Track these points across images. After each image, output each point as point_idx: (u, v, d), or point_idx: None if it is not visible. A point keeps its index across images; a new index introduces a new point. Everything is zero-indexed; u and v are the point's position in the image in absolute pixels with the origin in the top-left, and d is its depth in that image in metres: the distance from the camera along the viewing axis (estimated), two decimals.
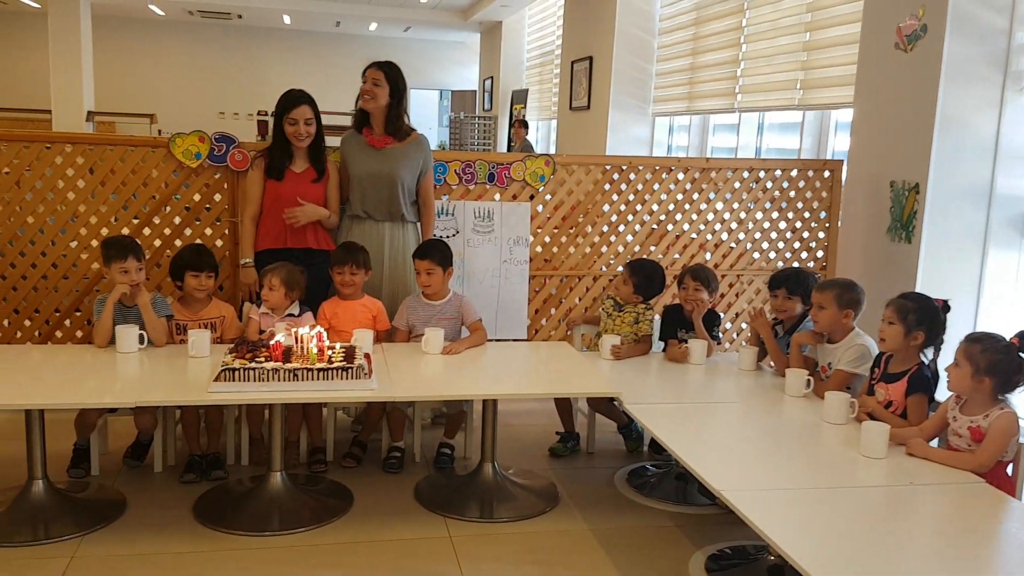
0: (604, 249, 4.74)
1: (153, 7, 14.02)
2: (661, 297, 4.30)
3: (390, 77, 3.98)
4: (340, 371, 3.01)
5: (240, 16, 14.85)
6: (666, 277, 4.03)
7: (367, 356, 3.24)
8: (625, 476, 3.78)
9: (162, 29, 15.56)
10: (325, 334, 3.15)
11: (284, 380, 2.97)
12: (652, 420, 2.96)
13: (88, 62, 13.01)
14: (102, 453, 3.71)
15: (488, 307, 4.48)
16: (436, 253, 3.76)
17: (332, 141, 4.14)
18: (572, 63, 9.37)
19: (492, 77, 13.69)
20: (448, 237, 4.38)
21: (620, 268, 4.73)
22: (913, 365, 2.97)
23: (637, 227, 4.76)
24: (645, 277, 3.90)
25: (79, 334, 4.17)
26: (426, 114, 17.67)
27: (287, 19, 14.99)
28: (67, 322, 4.18)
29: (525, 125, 11.06)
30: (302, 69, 14.79)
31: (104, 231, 4.12)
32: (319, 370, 3.00)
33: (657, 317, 4.01)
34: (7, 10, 14.33)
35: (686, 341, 3.74)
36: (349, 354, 3.15)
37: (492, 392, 3.33)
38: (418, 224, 4.17)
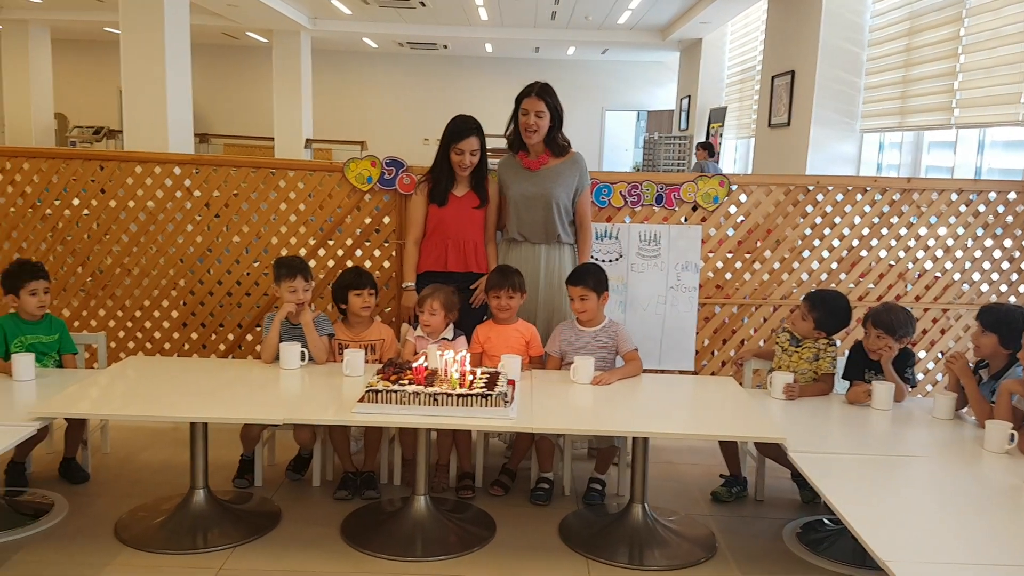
0: (785, 276, 4.35)
1: (367, 40, 14.97)
2: (851, 330, 3.87)
3: (551, 104, 3.86)
4: (479, 398, 2.92)
5: (446, 46, 15.51)
6: (851, 310, 3.60)
7: (511, 383, 3.13)
8: (796, 530, 3.40)
9: (374, 60, 16.57)
10: (468, 359, 3.08)
11: (424, 404, 2.92)
12: (818, 470, 2.62)
13: (307, 92, 14.08)
14: (268, 464, 3.86)
15: (652, 336, 4.24)
16: (590, 278, 3.59)
17: (495, 163, 4.10)
18: (773, 78, 8.89)
19: (690, 96, 13.34)
20: (611, 261, 4.20)
21: (802, 299, 4.32)
22: None
23: (824, 253, 4.34)
24: (827, 312, 3.51)
25: (258, 347, 4.38)
26: (622, 135, 17.54)
27: (489, 47, 15.48)
28: (248, 336, 4.41)
29: (707, 148, 10.63)
30: (501, 94, 15.05)
31: (283, 251, 4.32)
32: (458, 396, 2.92)
33: (843, 355, 3.60)
34: (237, 45, 15.84)
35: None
36: (491, 380, 3.05)
37: (640, 429, 3.08)
38: (575, 246, 4.02)
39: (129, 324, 4.39)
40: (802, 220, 4.31)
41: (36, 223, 4.29)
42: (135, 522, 3.24)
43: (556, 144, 3.92)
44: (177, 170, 4.31)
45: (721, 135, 12.02)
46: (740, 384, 3.65)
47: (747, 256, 4.33)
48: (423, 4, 11.84)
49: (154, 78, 8.40)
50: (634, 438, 3.22)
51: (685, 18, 11.94)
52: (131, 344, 4.41)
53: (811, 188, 4.28)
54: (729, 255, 4.33)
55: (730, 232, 4.31)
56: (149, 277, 4.35)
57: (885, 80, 7.13)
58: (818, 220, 4.31)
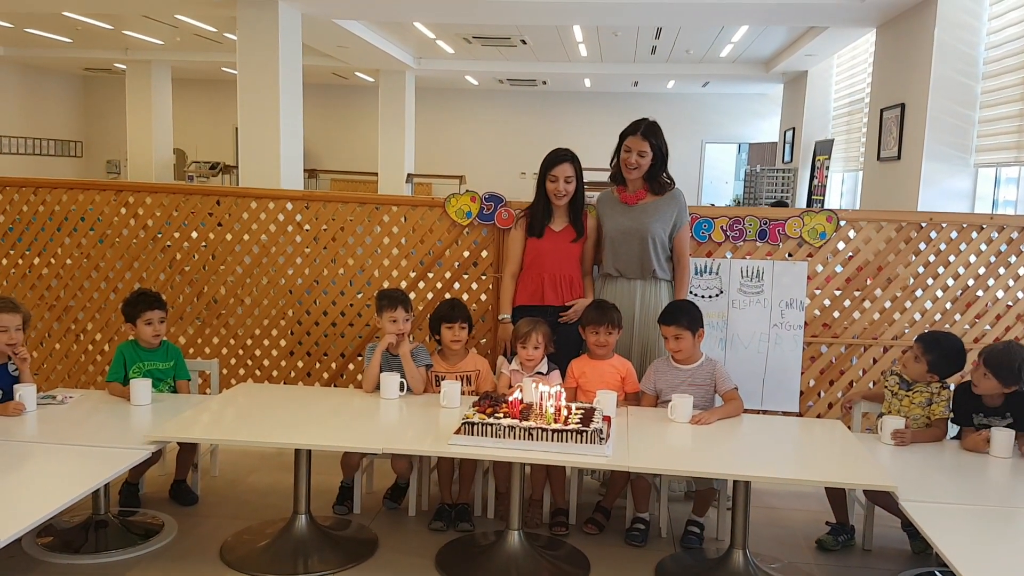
0: (896, 316, 4.18)
1: (469, 77, 15.31)
2: (965, 374, 3.67)
3: (655, 145, 3.84)
4: (574, 434, 2.90)
5: (545, 82, 15.70)
6: (966, 353, 3.42)
7: (607, 419, 3.10)
8: None
9: (475, 97, 16.92)
10: (564, 394, 3.07)
11: (518, 438, 2.93)
12: (932, 521, 2.49)
13: (410, 128, 14.48)
14: (367, 492, 3.93)
15: (754, 375, 4.13)
16: (683, 317, 3.54)
17: (594, 198, 4.11)
18: (882, 111, 8.62)
19: (794, 128, 13.06)
20: (711, 297, 4.13)
21: (915, 340, 4.14)
22: None
23: (938, 292, 4.15)
24: (942, 355, 3.34)
25: (359, 376, 4.50)
26: (723, 167, 17.31)
27: (588, 82, 15.58)
28: (350, 366, 4.53)
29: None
30: (599, 128, 15.20)
31: (385, 284, 4.44)
32: (553, 431, 2.91)
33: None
34: (346, 84, 16.46)
35: (986, 426, 3.13)
36: (587, 416, 3.04)
37: (742, 472, 2.99)
38: (672, 282, 3.97)
39: (240, 352, 4.57)
40: (914, 258, 4.14)
41: (156, 255, 4.54)
42: (240, 544, 3.35)
43: (657, 183, 3.90)
44: (289, 205, 4.49)
45: (827, 168, 11.70)
46: (848, 428, 3.51)
47: (856, 294, 4.18)
48: (524, 42, 12.04)
49: (268, 117, 8.80)
50: (735, 481, 3.13)
51: (790, 51, 11.73)
52: (242, 371, 4.60)
53: (924, 225, 4.11)
54: (837, 292, 4.19)
55: (838, 269, 4.18)
56: (260, 307, 4.53)
57: (1002, 113, 6.81)
58: (932, 258, 4.13)
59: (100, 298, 4.59)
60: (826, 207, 4.19)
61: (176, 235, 4.53)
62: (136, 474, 3.72)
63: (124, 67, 14.76)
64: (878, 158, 8.68)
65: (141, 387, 3.53)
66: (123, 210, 4.55)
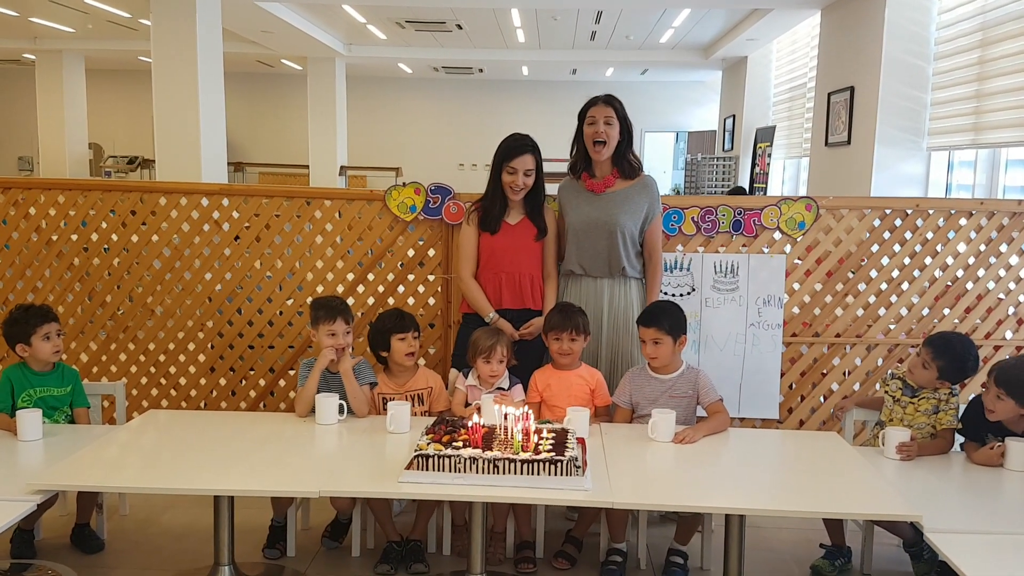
0: (882, 311, 3.86)
1: (402, 65, 14.75)
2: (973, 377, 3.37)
3: (620, 113, 3.47)
4: (548, 464, 2.48)
5: (482, 70, 15.24)
6: (979, 357, 3.09)
7: (581, 441, 2.69)
8: None
9: (409, 86, 16.35)
10: (532, 416, 2.64)
11: (482, 472, 2.49)
12: (962, 554, 2.15)
13: (342, 119, 13.86)
14: (302, 529, 3.45)
15: (730, 379, 3.77)
16: (665, 319, 3.14)
17: (553, 189, 3.68)
18: (829, 95, 8.42)
19: (734, 115, 12.89)
20: (682, 296, 3.75)
21: (902, 335, 3.84)
22: None
23: (925, 284, 3.85)
24: (955, 360, 2.98)
25: (291, 395, 3.99)
26: (660, 157, 17.12)
27: (525, 70, 15.17)
28: (280, 382, 4.02)
29: None
30: (538, 117, 14.81)
31: (319, 288, 3.94)
32: (522, 462, 2.48)
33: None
34: (272, 72, 15.71)
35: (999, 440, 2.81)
36: (560, 441, 2.61)
37: (739, 505, 2.57)
38: (643, 281, 3.57)
39: (152, 370, 4.02)
40: (899, 248, 3.83)
41: (51, 261, 3.94)
42: None
43: (626, 162, 3.50)
44: (205, 201, 3.95)
45: (769, 155, 11.54)
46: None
47: (838, 289, 3.84)
48: (460, 27, 11.55)
49: (187, 107, 8.15)
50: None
51: (730, 36, 11.52)
52: (154, 391, 4.04)
53: (910, 212, 3.80)
54: (818, 287, 3.85)
55: (818, 262, 3.84)
56: (173, 318, 3.98)
57: (955, 95, 6.63)
58: (918, 248, 3.82)
59: None
60: (803, 196, 3.82)
61: (74, 238, 3.94)
62: (30, 520, 3.16)
63: (34, 57, 13.75)
64: (826, 143, 8.48)
65: (29, 419, 2.97)
66: (12, 210, 3.94)
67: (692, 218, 3.78)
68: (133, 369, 4.01)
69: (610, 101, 3.47)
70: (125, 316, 3.98)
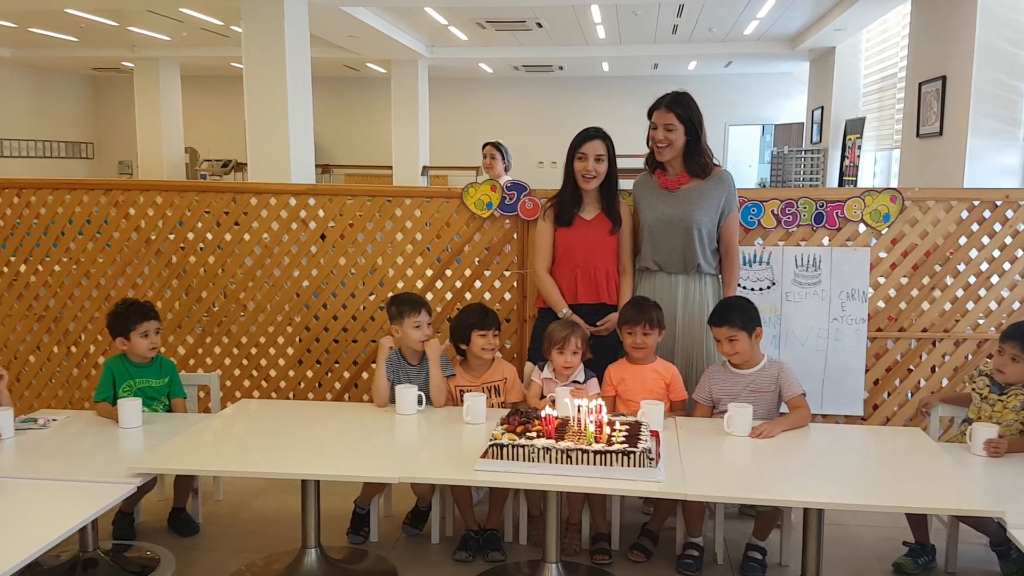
0: (970, 306, 3.74)
1: (483, 65, 14.90)
2: None
3: (683, 117, 3.42)
4: (620, 456, 2.50)
5: (561, 68, 15.26)
6: None
7: (655, 434, 2.70)
8: None
9: (490, 85, 16.50)
10: (604, 408, 2.67)
11: (555, 462, 2.53)
12: None
13: (424, 120, 14.10)
14: (384, 516, 3.56)
15: (812, 375, 3.70)
16: (735, 316, 3.11)
17: (629, 184, 3.69)
18: (920, 85, 8.12)
19: (822, 107, 12.55)
20: (761, 291, 3.71)
21: (991, 330, 3.71)
22: None
23: (1016, 278, 3.70)
24: None
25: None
26: (746, 150, 16.79)
27: (606, 66, 15.11)
28: (364, 374, 4.14)
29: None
30: (619, 113, 14.72)
31: (400, 284, 4.05)
32: (595, 453, 2.51)
33: None
34: (358, 76, 16.08)
35: None
36: (633, 433, 2.63)
37: (816, 499, 2.55)
38: (719, 276, 3.55)
39: (244, 362, 4.20)
40: (988, 240, 3.69)
41: (151, 258, 4.17)
42: None
43: (694, 162, 3.47)
44: (293, 201, 4.11)
45: (859, 147, 11.20)
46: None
47: (925, 282, 3.73)
48: (540, 25, 11.60)
49: (277, 111, 8.43)
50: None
51: (818, 26, 11.22)
52: (246, 383, 4.23)
53: (999, 203, 3.66)
54: (904, 281, 3.75)
55: (904, 255, 3.74)
56: (264, 313, 4.15)
57: None
58: (1008, 240, 3.68)
59: (92, 307, 4.23)
60: (887, 187, 3.72)
61: (171, 236, 4.16)
62: (130, 503, 3.36)
63: (132, 65, 14.46)
64: (917, 135, 8.19)
65: (130, 407, 3.15)
66: (113, 211, 4.18)
67: (772, 211, 3.73)
68: (227, 361, 4.20)
69: (672, 107, 3.41)
70: (219, 311, 4.18)
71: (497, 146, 6.12)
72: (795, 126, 14.56)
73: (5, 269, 4.26)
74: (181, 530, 3.41)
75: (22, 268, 4.25)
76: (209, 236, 4.15)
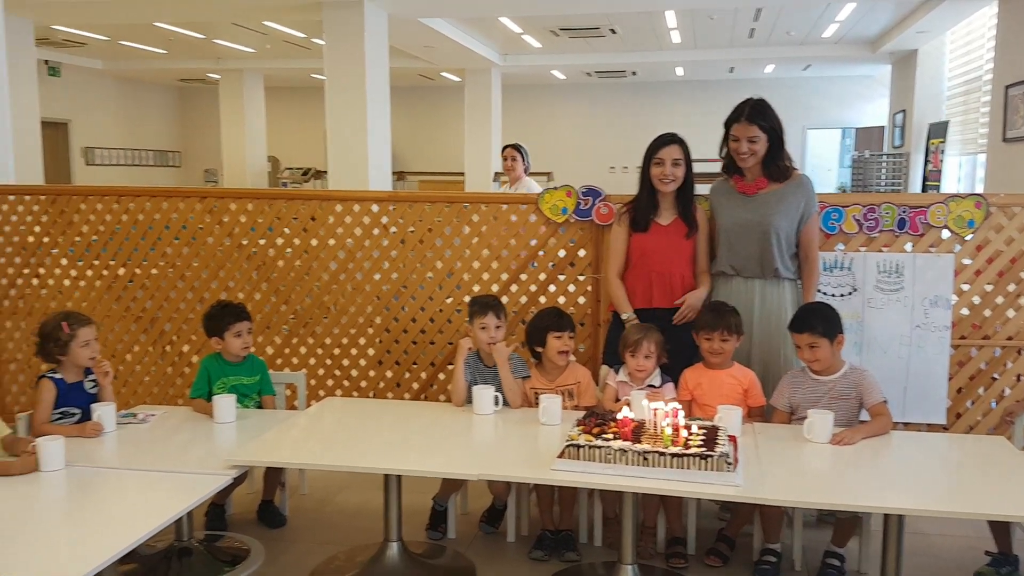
0: None
1: (556, 72, 14.96)
2: None
3: (766, 127, 3.42)
4: (697, 459, 2.53)
5: (635, 73, 15.20)
6: None
7: (733, 439, 2.72)
8: None
9: (562, 92, 16.54)
10: (682, 412, 2.70)
11: (632, 464, 2.57)
12: None
13: (497, 127, 14.22)
14: (462, 513, 3.65)
15: (894, 382, 3.64)
16: (817, 322, 3.10)
17: (705, 190, 3.71)
18: (1007, 88, 7.87)
19: (904, 110, 12.21)
20: (842, 296, 3.67)
21: None
22: None
23: None
24: None
25: (450, 387, 4.20)
26: (825, 154, 16.43)
27: (680, 71, 15.00)
28: (440, 375, 4.25)
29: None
30: (694, 119, 14.60)
31: (476, 288, 4.14)
32: (672, 455, 2.54)
33: None
34: (432, 85, 16.33)
35: None
36: (711, 437, 2.65)
37: (896, 504, 2.53)
38: (797, 282, 3.53)
39: (328, 362, 4.36)
40: None
41: (242, 263, 4.36)
42: (328, 574, 3.10)
43: (773, 167, 3.47)
44: (375, 207, 4.26)
45: (943, 152, 10.87)
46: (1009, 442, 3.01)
47: (1010, 290, 3.64)
48: (613, 32, 11.61)
49: (356, 120, 8.66)
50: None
51: (899, 28, 10.94)
52: (330, 382, 4.38)
53: None
54: (988, 288, 3.66)
55: (988, 261, 3.65)
56: (347, 315, 4.30)
57: None
58: None
59: (187, 308, 4.44)
60: (972, 193, 3.64)
61: (261, 241, 4.34)
62: (223, 495, 3.53)
63: (218, 76, 15.01)
64: (1003, 139, 7.93)
65: (225, 404, 3.32)
66: (208, 217, 4.39)
67: (853, 216, 3.69)
68: (312, 361, 4.37)
69: (753, 119, 3.40)
70: (305, 313, 4.34)
71: (517, 148, 6.21)
72: (876, 130, 14.21)
73: (104, 272, 4.51)
74: (269, 522, 3.56)
75: (120, 271, 4.49)
76: (296, 241, 4.32)
